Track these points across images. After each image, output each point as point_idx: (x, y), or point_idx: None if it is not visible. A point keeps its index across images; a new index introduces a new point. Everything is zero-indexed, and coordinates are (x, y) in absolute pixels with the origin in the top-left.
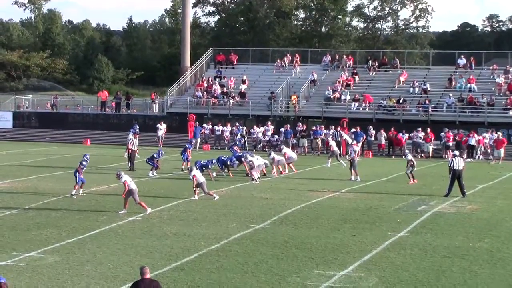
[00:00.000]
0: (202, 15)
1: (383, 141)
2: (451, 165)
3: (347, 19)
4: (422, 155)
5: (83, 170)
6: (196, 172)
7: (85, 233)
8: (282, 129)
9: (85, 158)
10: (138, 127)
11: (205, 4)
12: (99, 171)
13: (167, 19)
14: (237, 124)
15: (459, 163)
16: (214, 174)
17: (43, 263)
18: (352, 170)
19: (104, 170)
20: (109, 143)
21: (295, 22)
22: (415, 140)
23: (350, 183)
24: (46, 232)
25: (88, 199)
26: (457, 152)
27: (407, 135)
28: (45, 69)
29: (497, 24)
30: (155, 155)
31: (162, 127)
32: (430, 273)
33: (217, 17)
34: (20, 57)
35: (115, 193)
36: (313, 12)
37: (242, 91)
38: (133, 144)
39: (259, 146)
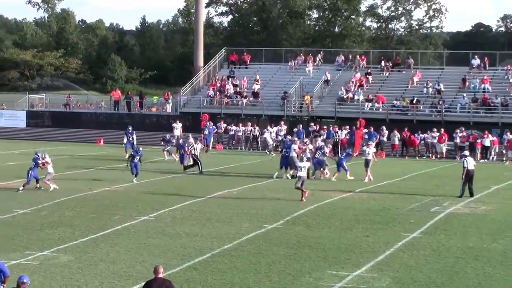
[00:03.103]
0: (215, 15)
1: (397, 142)
2: (465, 166)
3: (361, 19)
4: (437, 155)
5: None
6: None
7: (98, 232)
8: (295, 129)
9: (36, 156)
10: (131, 128)
11: (218, 4)
12: (112, 170)
13: (180, 19)
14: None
15: (471, 163)
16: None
17: (56, 262)
18: (367, 170)
19: (117, 169)
20: (122, 143)
21: (308, 22)
22: (428, 140)
23: (363, 184)
24: (59, 231)
25: (101, 198)
26: (467, 153)
27: (422, 135)
28: (59, 68)
29: (511, 25)
30: (134, 154)
31: (178, 126)
32: (443, 274)
33: (230, 17)
34: (34, 56)
35: (128, 192)
36: (326, 12)
37: (255, 91)
38: (194, 148)
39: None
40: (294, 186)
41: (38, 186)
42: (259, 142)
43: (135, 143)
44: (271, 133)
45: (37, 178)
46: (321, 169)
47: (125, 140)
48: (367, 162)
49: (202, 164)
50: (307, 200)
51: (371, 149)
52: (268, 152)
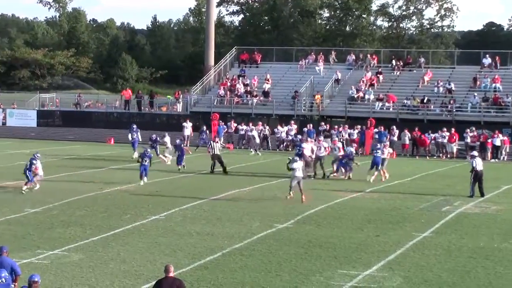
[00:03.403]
0: (226, 14)
1: (407, 141)
2: (474, 166)
3: (372, 18)
4: (448, 155)
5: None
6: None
7: (109, 232)
8: (305, 129)
9: (35, 156)
10: (135, 126)
11: (229, 3)
12: (123, 170)
13: (191, 18)
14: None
15: (480, 164)
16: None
17: (67, 261)
18: (382, 169)
19: (127, 169)
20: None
21: (319, 21)
22: (438, 140)
23: (374, 183)
24: (70, 230)
25: (112, 197)
26: (475, 153)
27: (433, 135)
28: (70, 68)
29: None
30: (144, 158)
31: (188, 126)
32: (454, 274)
33: (241, 16)
34: (45, 55)
35: (139, 192)
36: (338, 11)
37: (266, 90)
38: (212, 148)
39: (282, 146)
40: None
41: (25, 189)
42: (269, 142)
43: (139, 140)
44: (281, 132)
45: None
46: (344, 170)
47: (130, 138)
48: (382, 162)
49: (214, 165)
50: (317, 200)
51: (386, 150)
52: (253, 151)
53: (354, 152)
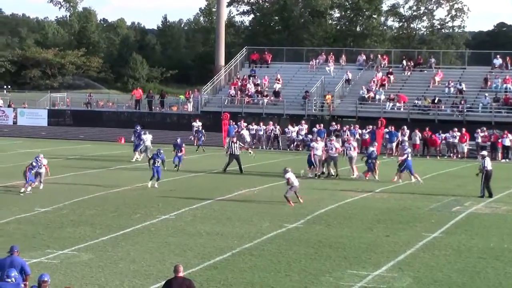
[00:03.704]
0: (236, 14)
1: (418, 141)
2: (484, 166)
3: (382, 18)
4: (459, 155)
5: (33, 170)
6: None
7: (118, 231)
8: (315, 129)
9: (36, 160)
10: (139, 127)
11: (240, 3)
12: (133, 169)
13: (201, 18)
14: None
15: (490, 164)
16: None
17: (77, 260)
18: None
19: (137, 168)
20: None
21: (330, 22)
22: (449, 140)
23: (384, 183)
24: (80, 230)
25: (122, 197)
26: (485, 153)
27: (443, 135)
28: (80, 67)
29: None
30: (156, 159)
31: (197, 125)
32: (464, 274)
33: (252, 16)
34: (55, 55)
35: (149, 191)
36: (348, 12)
37: (276, 90)
38: (232, 147)
39: (292, 145)
40: (284, 194)
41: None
42: (280, 141)
43: (145, 143)
44: (292, 132)
45: (32, 181)
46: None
47: (132, 138)
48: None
49: (228, 165)
50: (327, 200)
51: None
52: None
53: (376, 151)
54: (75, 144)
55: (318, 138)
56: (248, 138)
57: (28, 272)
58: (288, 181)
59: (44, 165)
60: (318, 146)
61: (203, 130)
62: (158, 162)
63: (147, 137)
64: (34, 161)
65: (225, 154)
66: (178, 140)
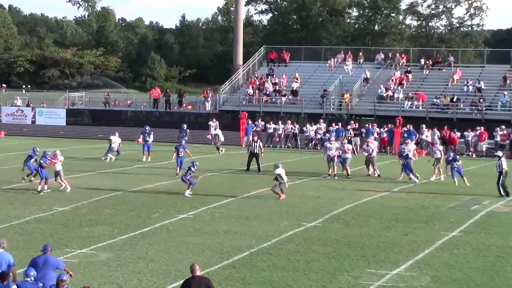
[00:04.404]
0: (254, 13)
1: (436, 140)
2: (500, 166)
3: (401, 17)
4: (477, 154)
5: (31, 159)
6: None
7: (137, 230)
8: (331, 128)
9: (34, 150)
10: (148, 128)
11: (258, 2)
12: (151, 168)
13: (219, 17)
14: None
15: (505, 164)
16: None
17: (95, 259)
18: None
19: (156, 167)
20: (161, 141)
21: (348, 20)
22: (468, 138)
23: (402, 182)
24: (98, 229)
25: (140, 196)
26: (500, 153)
27: (462, 134)
28: (98, 67)
29: None
30: (192, 168)
31: (214, 125)
32: (483, 273)
33: (270, 15)
34: (74, 54)
35: (167, 190)
36: (366, 10)
37: (294, 89)
38: (252, 146)
39: (311, 144)
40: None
41: (40, 189)
42: (298, 140)
43: (150, 142)
44: (310, 131)
45: (47, 178)
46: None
47: (140, 140)
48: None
49: (249, 164)
50: (346, 199)
51: (410, 147)
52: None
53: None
54: (93, 143)
55: (332, 138)
56: (222, 138)
57: (62, 269)
58: (278, 177)
59: (55, 161)
60: (332, 146)
61: (188, 130)
62: (189, 174)
63: (114, 139)
64: (32, 152)
65: (246, 152)
66: (183, 141)
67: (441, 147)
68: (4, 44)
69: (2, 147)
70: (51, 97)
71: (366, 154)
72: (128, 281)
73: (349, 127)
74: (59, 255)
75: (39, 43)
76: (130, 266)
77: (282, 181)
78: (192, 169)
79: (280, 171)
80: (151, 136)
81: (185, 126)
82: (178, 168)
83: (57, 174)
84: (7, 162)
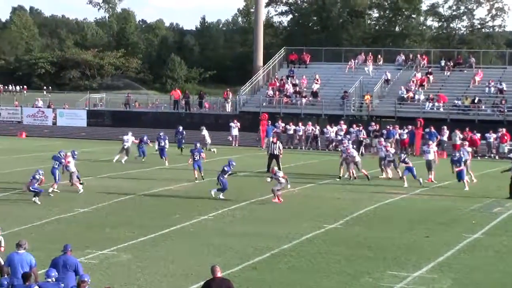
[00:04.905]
0: (275, 15)
1: (458, 142)
2: None
3: (421, 18)
4: (499, 155)
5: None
6: None
7: (157, 232)
8: (352, 129)
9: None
10: (162, 133)
11: (278, 3)
12: (172, 170)
13: (240, 19)
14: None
15: None
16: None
17: (116, 260)
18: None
19: (177, 168)
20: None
21: (369, 22)
22: (489, 140)
23: (423, 184)
24: (119, 230)
25: (161, 198)
26: None
27: (484, 135)
28: (119, 68)
29: None
30: (225, 168)
31: (235, 126)
32: (505, 276)
33: (290, 16)
34: (95, 56)
35: (188, 192)
36: (387, 12)
37: (315, 90)
38: (272, 148)
39: (331, 146)
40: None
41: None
42: (319, 142)
43: (166, 147)
44: (330, 132)
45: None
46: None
47: (156, 147)
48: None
49: (269, 165)
50: (367, 200)
51: (431, 149)
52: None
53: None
54: (113, 145)
55: (344, 140)
56: (209, 140)
57: (79, 273)
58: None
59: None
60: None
61: (184, 132)
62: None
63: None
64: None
65: (266, 154)
66: (198, 145)
67: (469, 149)
68: (26, 46)
69: (23, 148)
70: (72, 98)
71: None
72: (149, 282)
73: (361, 128)
74: (79, 256)
75: (60, 44)
76: (151, 267)
77: (281, 182)
78: (226, 168)
79: (281, 173)
80: (166, 141)
81: (181, 128)
82: (196, 172)
83: (71, 175)
84: (28, 164)
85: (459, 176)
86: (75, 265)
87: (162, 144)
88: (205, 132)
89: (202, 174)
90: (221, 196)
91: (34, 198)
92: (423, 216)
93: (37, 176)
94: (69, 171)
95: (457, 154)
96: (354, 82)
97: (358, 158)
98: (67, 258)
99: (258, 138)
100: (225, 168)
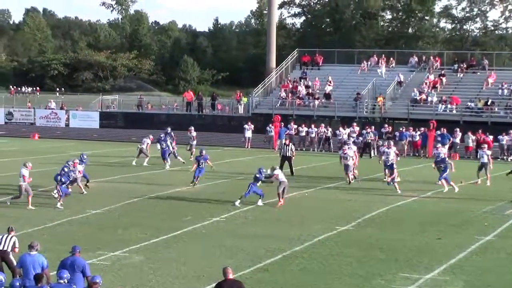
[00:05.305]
0: (287, 16)
1: (471, 144)
2: None
3: (435, 20)
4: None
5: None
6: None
7: (169, 233)
8: (364, 131)
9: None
10: (163, 134)
11: (291, 5)
12: (184, 171)
13: (252, 20)
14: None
15: None
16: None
17: (127, 262)
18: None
19: (189, 170)
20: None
21: (382, 23)
22: (502, 142)
23: (435, 186)
24: (131, 232)
25: (173, 199)
26: None
27: (497, 137)
28: (132, 70)
29: None
30: (257, 175)
31: (249, 128)
32: None
33: (303, 18)
34: (107, 57)
35: (200, 193)
36: (400, 13)
37: (327, 92)
38: (285, 150)
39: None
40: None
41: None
42: (331, 143)
43: (171, 148)
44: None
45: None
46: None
47: (158, 147)
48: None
49: (281, 167)
50: (379, 202)
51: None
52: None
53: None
54: (126, 146)
55: (345, 147)
56: (195, 142)
57: (87, 274)
58: (276, 178)
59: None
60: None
61: (172, 133)
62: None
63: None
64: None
65: (278, 155)
66: (203, 152)
67: (489, 152)
68: (39, 47)
69: (35, 149)
70: (84, 100)
71: (385, 158)
72: (161, 284)
73: (368, 130)
74: (91, 258)
75: (73, 46)
76: (163, 269)
77: (282, 180)
78: (258, 176)
79: (277, 172)
80: (168, 142)
81: (170, 129)
82: (197, 177)
83: (75, 180)
84: (39, 165)
85: (441, 176)
86: (83, 266)
87: (164, 146)
88: (194, 133)
89: (198, 181)
90: (259, 203)
91: (58, 203)
92: (435, 218)
93: (65, 169)
94: (74, 176)
95: (441, 155)
96: (367, 84)
97: (350, 162)
98: (75, 260)
99: (266, 140)
100: (257, 176)
